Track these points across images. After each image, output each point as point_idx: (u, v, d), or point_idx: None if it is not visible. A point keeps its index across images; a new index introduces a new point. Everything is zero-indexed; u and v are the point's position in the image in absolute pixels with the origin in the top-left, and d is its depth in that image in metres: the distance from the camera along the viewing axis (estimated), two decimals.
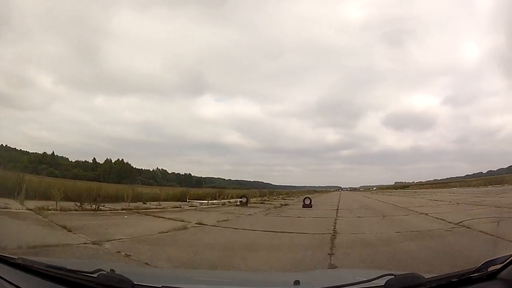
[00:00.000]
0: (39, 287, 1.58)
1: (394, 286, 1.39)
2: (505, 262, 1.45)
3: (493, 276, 1.45)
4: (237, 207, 17.11)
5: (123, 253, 5.08)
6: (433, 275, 1.50)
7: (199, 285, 1.86)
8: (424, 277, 1.43)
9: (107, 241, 5.88)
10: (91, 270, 1.52)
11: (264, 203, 21.53)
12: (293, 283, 1.65)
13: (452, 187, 40.77)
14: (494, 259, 1.48)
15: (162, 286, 1.46)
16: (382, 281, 1.42)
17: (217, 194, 21.85)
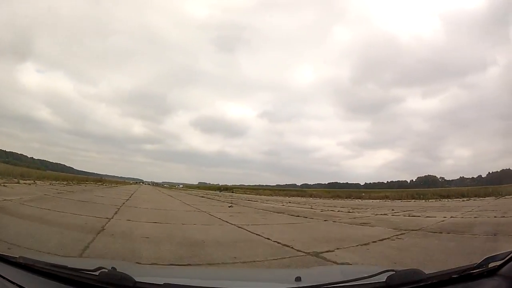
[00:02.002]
0: (40, 286, 1.58)
1: (395, 282, 1.39)
2: (506, 259, 1.45)
3: (493, 272, 1.45)
4: None
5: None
6: (434, 271, 1.50)
7: (200, 282, 1.87)
8: (425, 273, 1.44)
9: None
10: (92, 268, 1.53)
11: None
12: (294, 279, 1.66)
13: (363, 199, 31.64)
14: (495, 255, 1.48)
15: (164, 283, 1.46)
16: (383, 277, 1.42)
17: None
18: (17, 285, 1.55)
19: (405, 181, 46.04)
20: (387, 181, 46.48)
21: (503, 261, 1.45)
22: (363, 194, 35.85)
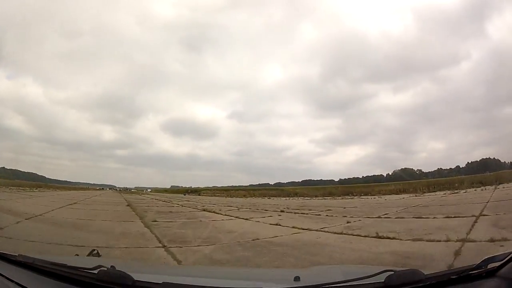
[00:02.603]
0: (40, 284, 1.58)
1: (394, 282, 1.39)
2: (505, 260, 1.44)
3: (492, 273, 1.45)
4: None
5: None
6: (433, 272, 1.50)
7: (199, 281, 1.87)
8: (424, 274, 1.44)
9: None
10: (91, 266, 1.53)
11: None
12: (293, 279, 1.66)
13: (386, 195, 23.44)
14: (494, 256, 1.48)
15: (163, 282, 1.46)
16: (382, 277, 1.42)
17: None
18: (16, 283, 1.56)
19: (381, 175, 46.02)
20: (363, 176, 46.67)
21: (502, 262, 1.45)
22: (386, 188, 25.78)
